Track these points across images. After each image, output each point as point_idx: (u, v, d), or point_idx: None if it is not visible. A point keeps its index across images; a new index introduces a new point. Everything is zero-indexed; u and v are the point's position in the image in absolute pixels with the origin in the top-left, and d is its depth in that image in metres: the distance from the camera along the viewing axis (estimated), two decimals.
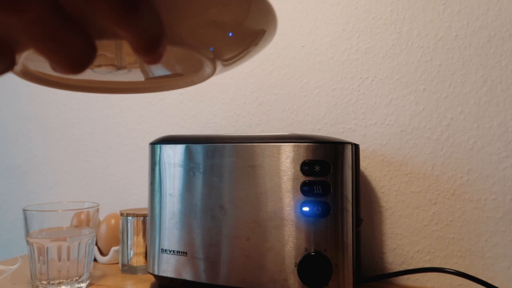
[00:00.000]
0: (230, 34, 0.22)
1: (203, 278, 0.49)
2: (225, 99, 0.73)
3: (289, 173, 0.46)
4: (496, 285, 0.48)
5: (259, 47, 0.24)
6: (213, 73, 0.25)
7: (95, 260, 0.66)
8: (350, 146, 0.47)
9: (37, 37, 0.15)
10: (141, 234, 0.61)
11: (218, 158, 0.49)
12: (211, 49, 0.22)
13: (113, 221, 0.68)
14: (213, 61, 0.23)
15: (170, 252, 0.51)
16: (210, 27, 0.20)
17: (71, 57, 0.16)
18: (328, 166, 0.45)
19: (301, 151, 0.46)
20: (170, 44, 0.19)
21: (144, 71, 0.26)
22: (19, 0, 0.14)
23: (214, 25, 0.20)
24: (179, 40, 0.20)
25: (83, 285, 0.54)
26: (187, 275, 0.50)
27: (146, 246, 0.60)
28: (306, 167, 0.46)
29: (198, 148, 0.51)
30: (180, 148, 0.51)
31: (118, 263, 0.65)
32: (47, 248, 0.52)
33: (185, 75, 0.27)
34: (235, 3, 0.19)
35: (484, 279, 0.50)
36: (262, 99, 0.70)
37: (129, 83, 0.26)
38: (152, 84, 0.28)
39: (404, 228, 0.60)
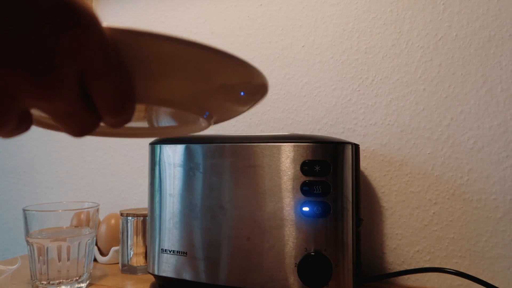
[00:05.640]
0: (242, 93, 0.24)
1: (203, 278, 0.49)
2: None
3: (289, 173, 0.46)
4: (496, 285, 0.48)
5: (259, 102, 0.27)
6: (207, 127, 0.27)
7: (95, 260, 0.66)
8: (350, 146, 0.47)
9: (58, 115, 0.18)
10: (141, 234, 0.61)
11: (218, 158, 0.49)
12: (205, 114, 0.25)
13: (113, 221, 0.68)
14: (207, 120, 0.26)
15: (170, 252, 0.51)
16: (219, 91, 0.22)
17: (80, 127, 0.19)
18: (328, 166, 0.45)
19: (301, 151, 0.46)
20: (172, 107, 0.22)
21: (150, 122, 0.28)
22: (53, 93, 0.16)
23: (224, 88, 0.22)
24: (180, 105, 0.22)
25: (83, 285, 0.54)
26: (187, 275, 0.50)
27: (146, 246, 0.60)
28: (306, 167, 0.46)
29: (198, 148, 0.51)
30: (180, 148, 0.51)
31: (118, 263, 0.65)
32: (47, 248, 0.52)
33: (180, 127, 0.29)
34: (242, 68, 0.21)
35: (484, 279, 0.50)
36: None
37: (132, 129, 0.27)
38: (152, 131, 0.30)
39: (404, 228, 0.60)
